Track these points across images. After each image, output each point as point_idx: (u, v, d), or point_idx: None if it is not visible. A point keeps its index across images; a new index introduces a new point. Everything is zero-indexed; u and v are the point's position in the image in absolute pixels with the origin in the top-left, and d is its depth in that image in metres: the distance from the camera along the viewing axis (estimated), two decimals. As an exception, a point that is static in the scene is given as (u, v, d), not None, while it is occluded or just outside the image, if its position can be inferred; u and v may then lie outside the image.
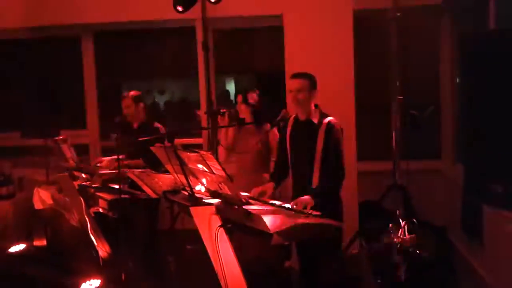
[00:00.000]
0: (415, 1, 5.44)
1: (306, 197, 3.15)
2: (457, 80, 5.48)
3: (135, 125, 4.74)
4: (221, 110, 4.46)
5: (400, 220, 4.16)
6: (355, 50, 4.67)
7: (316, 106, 3.47)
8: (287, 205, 3.12)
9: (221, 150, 4.40)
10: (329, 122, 3.37)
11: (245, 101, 4.17)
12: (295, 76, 3.45)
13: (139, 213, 4.19)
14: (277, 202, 3.27)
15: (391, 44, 4.21)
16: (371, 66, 5.89)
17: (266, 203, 3.18)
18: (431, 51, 5.74)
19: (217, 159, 2.85)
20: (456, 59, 5.50)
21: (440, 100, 5.74)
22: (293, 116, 3.56)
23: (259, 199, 3.27)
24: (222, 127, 4.42)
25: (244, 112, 4.19)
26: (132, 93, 4.72)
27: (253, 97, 4.20)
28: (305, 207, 3.02)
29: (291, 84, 3.43)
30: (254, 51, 6.35)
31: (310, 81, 3.41)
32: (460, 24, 5.48)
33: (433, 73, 5.77)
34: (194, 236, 3.05)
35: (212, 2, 4.52)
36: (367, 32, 5.48)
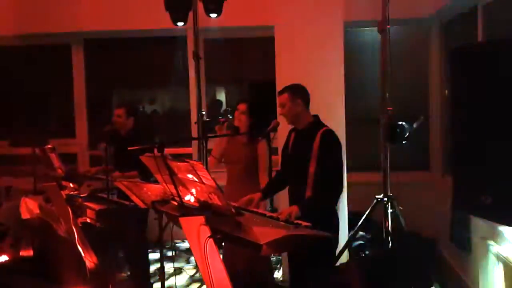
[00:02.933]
0: (404, 14, 5.50)
1: (291, 207, 3.13)
2: (446, 92, 5.53)
3: (123, 133, 4.71)
4: (220, 120, 4.41)
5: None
6: (345, 62, 4.70)
7: (315, 116, 3.41)
8: (272, 215, 3.11)
9: (210, 160, 4.37)
10: (323, 131, 3.28)
11: (249, 112, 4.11)
12: (278, 93, 3.44)
13: (127, 224, 4.14)
14: (266, 213, 3.25)
15: (381, 56, 4.24)
16: (361, 77, 5.94)
17: (255, 213, 3.16)
18: (420, 63, 5.79)
19: (207, 169, 2.83)
20: (445, 71, 5.56)
21: (429, 111, 5.78)
22: (292, 127, 3.52)
23: (247, 209, 3.24)
24: (213, 136, 4.40)
25: (243, 123, 4.12)
26: (128, 105, 4.77)
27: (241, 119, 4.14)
28: (289, 217, 3.00)
29: (277, 101, 3.44)
30: (246, 61, 6.37)
31: (289, 92, 3.34)
32: (449, 36, 5.54)
33: (422, 85, 5.82)
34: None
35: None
36: (357, 44, 5.53)
